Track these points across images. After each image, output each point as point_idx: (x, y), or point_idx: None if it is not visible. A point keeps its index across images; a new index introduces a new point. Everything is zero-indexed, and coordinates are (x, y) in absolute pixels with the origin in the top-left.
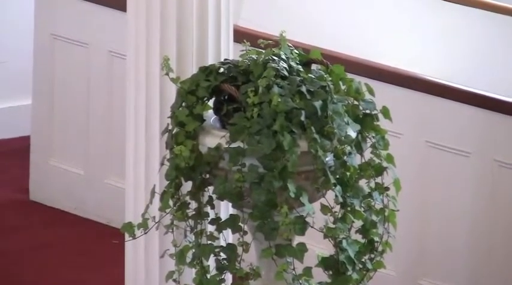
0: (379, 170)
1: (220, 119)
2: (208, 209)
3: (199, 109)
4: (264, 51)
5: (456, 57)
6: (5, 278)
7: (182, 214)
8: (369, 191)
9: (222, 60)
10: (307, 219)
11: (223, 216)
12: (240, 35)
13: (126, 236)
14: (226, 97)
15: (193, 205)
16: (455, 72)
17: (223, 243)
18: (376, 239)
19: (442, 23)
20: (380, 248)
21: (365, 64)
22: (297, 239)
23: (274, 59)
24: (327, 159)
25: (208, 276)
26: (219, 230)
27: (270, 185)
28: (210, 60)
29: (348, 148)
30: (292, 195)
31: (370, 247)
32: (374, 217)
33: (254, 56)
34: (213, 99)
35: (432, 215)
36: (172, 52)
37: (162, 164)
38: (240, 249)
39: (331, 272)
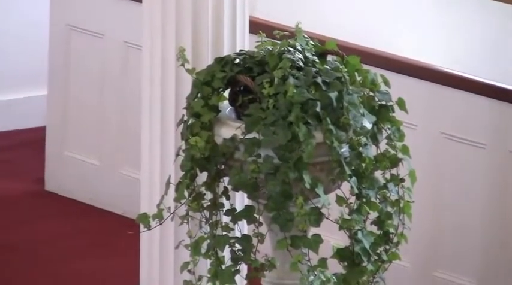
0: (395, 162)
1: (235, 110)
2: (223, 200)
3: (215, 100)
4: (279, 42)
5: (471, 48)
6: (20, 269)
7: (197, 204)
8: (384, 182)
9: (238, 51)
10: (322, 210)
11: (239, 207)
12: (256, 26)
13: (141, 226)
14: (241, 88)
15: (209, 195)
16: (471, 63)
17: (238, 234)
18: (392, 230)
19: (457, 14)
20: (395, 240)
21: (380, 56)
22: (312, 230)
23: (289, 50)
24: (342, 150)
25: (223, 267)
26: (234, 221)
27: (285, 176)
28: (226, 51)
29: (364, 139)
30: (308, 186)
31: (386, 239)
32: (389, 209)
33: (270, 47)
34: (229, 90)
35: (447, 207)
36: (188, 43)
37: (177, 155)
38: (255, 241)
39: (346, 263)
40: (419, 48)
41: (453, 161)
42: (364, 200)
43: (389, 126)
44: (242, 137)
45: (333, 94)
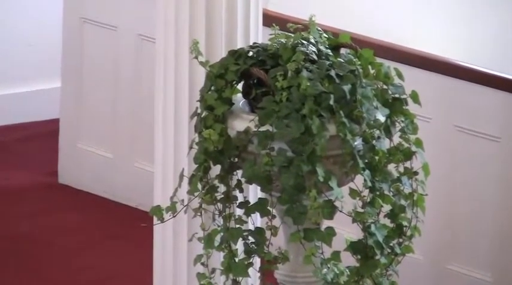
0: (408, 155)
1: (249, 103)
2: (236, 192)
3: (228, 92)
4: (293, 35)
5: (484, 42)
6: (33, 260)
7: (211, 197)
8: (398, 175)
9: (251, 43)
10: (335, 203)
11: (252, 200)
12: (269, 19)
13: (155, 219)
14: (255, 81)
15: (222, 188)
16: (484, 56)
17: (251, 227)
18: (405, 223)
19: (471, 8)
20: (409, 233)
21: (394, 49)
22: (326, 223)
23: (303, 43)
24: (355, 143)
25: (237, 259)
26: (248, 213)
27: (299, 169)
28: (239, 44)
29: (377, 132)
30: (321, 179)
31: (399, 232)
32: (403, 202)
33: (283, 40)
34: (242, 82)
35: (460, 200)
36: (201, 35)
37: (190, 147)
38: (268, 233)
39: (359, 256)
40: (433, 41)
41: (466, 154)
42: (377, 193)
43: (402, 119)
44: (255, 130)
45: (347, 87)
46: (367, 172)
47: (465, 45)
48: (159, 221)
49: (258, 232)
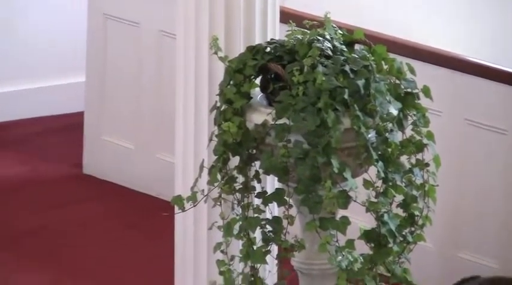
0: (420, 147)
1: (266, 97)
2: (254, 183)
3: (247, 87)
4: (309, 31)
5: (494, 38)
6: (57, 250)
7: (230, 187)
8: (410, 166)
9: (269, 39)
10: (350, 193)
11: (269, 190)
12: (286, 16)
13: (176, 208)
14: (272, 75)
15: (241, 179)
16: (493, 52)
17: (269, 216)
18: (417, 213)
19: (480, 6)
20: (420, 222)
21: (406, 45)
22: (340, 213)
23: (318, 39)
24: (369, 136)
25: (255, 247)
26: (265, 203)
27: (314, 160)
28: (257, 40)
29: (390, 125)
30: (336, 170)
31: (411, 221)
32: (414, 192)
33: (299, 36)
34: (260, 77)
35: (470, 190)
36: (220, 32)
37: (210, 140)
38: (285, 222)
39: (373, 245)
40: (444, 37)
41: (476, 146)
42: (390, 183)
43: (414, 113)
44: (273, 123)
45: (361, 82)
46: (380, 163)
47: (474, 41)
48: (180, 210)
49: (275, 220)
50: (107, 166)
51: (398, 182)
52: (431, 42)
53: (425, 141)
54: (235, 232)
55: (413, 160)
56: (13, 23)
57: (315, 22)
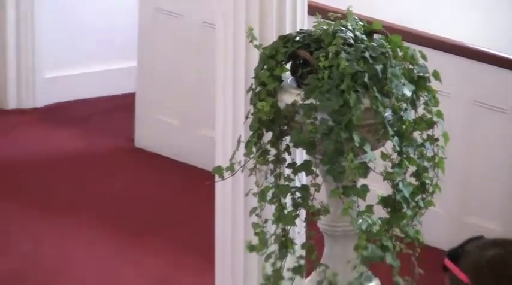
0: (430, 124)
1: (296, 80)
2: (285, 155)
3: (279, 71)
4: (333, 22)
5: (500, 28)
6: (112, 214)
7: (263, 159)
8: (422, 141)
9: (298, 29)
10: (369, 164)
11: (299, 161)
12: (313, 9)
13: (217, 177)
14: (301, 61)
15: (273, 151)
16: (498, 41)
17: (298, 184)
18: (428, 181)
19: None
20: (431, 190)
21: (419, 35)
22: (361, 181)
23: (342, 29)
24: (386, 114)
25: (285, 211)
26: (295, 173)
27: (338, 135)
28: (288, 30)
29: (404, 105)
30: (357, 144)
31: (422, 189)
32: (426, 163)
33: (325, 27)
34: (290, 62)
35: (476, 161)
36: (255, 23)
37: (246, 117)
38: (312, 190)
39: (389, 209)
40: (454, 27)
41: (480, 123)
42: (404, 156)
43: (426, 94)
44: (301, 102)
45: (379, 67)
46: (395, 138)
47: (481, 31)
48: (220, 179)
49: (304, 188)
50: (155, 140)
51: (412, 155)
52: (442, 32)
53: (435, 118)
54: (268, 198)
55: (424, 136)
56: (74, 13)
57: (339, 14)
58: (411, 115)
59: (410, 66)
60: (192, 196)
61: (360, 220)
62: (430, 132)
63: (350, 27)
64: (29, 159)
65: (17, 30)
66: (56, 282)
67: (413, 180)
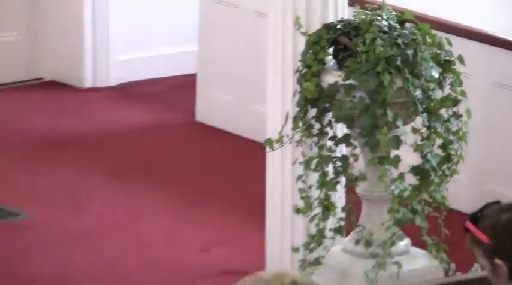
0: (455, 102)
1: (337, 63)
2: (328, 129)
3: (322, 55)
4: (370, 12)
5: None
6: (176, 180)
7: (308, 132)
8: (447, 117)
9: (339, 19)
10: (401, 137)
11: (339, 134)
12: (353, 0)
13: (267, 148)
14: (342, 46)
15: (317, 126)
16: None
17: (339, 155)
18: (453, 153)
19: None
20: (455, 160)
21: (445, 23)
22: (394, 152)
23: (377, 18)
24: (416, 93)
25: (328, 178)
26: (336, 144)
27: (374, 112)
28: (330, 19)
29: (432, 85)
30: (391, 119)
31: (448, 159)
32: (451, 137)
33: (363, 16)
34: (332, 47)
35: (496, 133)
36: (302, 12)
37: (294, 95)
38: (351, 159)
39: (418, 177)
40: (476, 17)
41: (499, 101)
42: (432, 130)
43: (451, 76)
44: (342, 83)
45: (410, 52)
46: (424, 114)
47: (503, 20)
48: (270, 150)
49: (344, 158)
50: (213, 115)
51: (439, 129)
52: (468, 21)
53: (459, 97)
54: (312, 166)
55: (450, 112)
56: (145, 2)
57: (375, 5)
58: (438, 94)
59: (438, 51)
60: (246, 165)
61: (393, 186)
62: (455, 109)
63: (385, 17)
64: (103, 131)
65: (93, 17)
66: (125, 239)
67: (440, 151)
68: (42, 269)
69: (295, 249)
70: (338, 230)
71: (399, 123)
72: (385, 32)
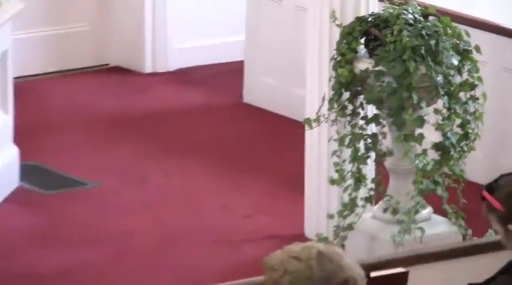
0: (473, 86)
1: (368, 51)
2: (360, 110)
3: (355, 44)
4: (397, 7)
5: None
6: (226, 154)
7: (342, 113)
8: (466, 100)
9: (370, 12)
10: (424, 117)
11: (370, 114)
12: None
13: (306, 127)
14: (372, 37)
15: (350, 107)
16: None
17: (369, 133)
18: (470, 131)
19: None
20: (472, 137)
21: (464, 17)
22: (418, 131)
23: (404, 12)
24: (438, 79)
25: (359, 153)
26: (367, 123)
27: (401, 95)
28: (362, 12)
29: (452, 71)
30: (415, 102)
31: (466, 136)
32: (469, 117)
33: (391, 10)
34: (364, 38)
35: (508, 115)
36: (337, 7)
37: (329, 80)
38: (380, 137)
39: (440, 153)
40: (493, 11)
41: (511, 86)
42: (452, 111)
43: (469, 63)
44: (372, 69)
45: (432, 42)
46: (445, 97)
47: None
48: (309, 128)
49: (374, 135)
50: (259, 97)
51: (458, 110)
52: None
53: (476, 82)
54: (346, 143)
55: (468, 95)
56: None
57: (402, 0)
58: (457, 79)
59: (457, 41)
60: (287, 142)
61: (417, 161)
62: (472, 92)
63: (410, 11)
64: (162, 111)
65: (153, 10)
66: (181, 207)
67: (458, 130)
68: (107, 231)
69: (330, 216)
70: (368, 199)
71: (423, 104)
72: (410, 24)
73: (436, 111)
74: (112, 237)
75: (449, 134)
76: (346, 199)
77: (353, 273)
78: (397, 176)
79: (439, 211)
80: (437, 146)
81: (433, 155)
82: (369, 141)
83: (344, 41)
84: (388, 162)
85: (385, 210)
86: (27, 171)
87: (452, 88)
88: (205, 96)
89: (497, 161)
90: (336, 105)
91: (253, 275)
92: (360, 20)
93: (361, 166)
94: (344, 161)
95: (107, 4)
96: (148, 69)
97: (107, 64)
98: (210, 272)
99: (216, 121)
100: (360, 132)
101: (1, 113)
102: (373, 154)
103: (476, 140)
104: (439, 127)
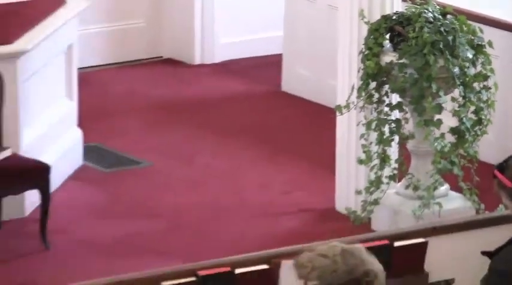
0: (485, 77)
1: (393, 46)
2: (385, 98)
3: (381, 40)
4: (418, 6)
5: None
6: (266, 137)
7: (370, 100)
8: (479, 89)
9: (394, 11)
10: (442, 105)
11: (394, 102)
12: None
13: (337, 113)
14: (396, 33)
15: (376, 95)
16: None
17: (393, 118)
18: (483, 117)
19: None
20: (485, 123)
21: (478, 15)
22: (437, 117)
23: (425, 11)
24: (454, 70)
25: (384, 136)
26: (391, 110)
27: (421, 84)
28: (387, 11)
29: (467, 64)
30: (434, 91)
31: (479, 122)
32: (482, 104)
33: (413, 9)
34: (389, 34)
35: None
36: (365, 6)
37: (358, 71)
38: (403, 122)
39: (456, 136)
40: (504, 11)
41: None
42: (467, 99)
43: (482, 57)
44: (396, 61)
45: (450, 38)
46: (461, 87)
47: None
48: (339, 114)
49: (397, 121)
50: (295, 86)
51: (472, 99)
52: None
53: (489, 73)
54: (372, 127)
55: (481, 85)
56: None
57: (423, 0)
58: (472, 71)
59: (472, 37)
60: (320, 126)
61: (436, 143)
62: (485, 83)
63: (430, 10)
64: (209, 98)
65: (202, 9)
66: (228, 185)
67: (473, 116)
68: (159, 205)
69: (358, 192)
70: (392, 177)
71: (441, 93)
72: (430, 22)
73: (453, 99)
74: (163, 210)
75: (464, 119)
76: (373, 177)
77: (373, 266)
78: (417, 157)
79: (455, 188)
80: (453, 131)
81: (450, 138)
82: (393, 125)
83: (371, 37)
84: (410, 144)
85: (407, 187)
86: (89, 151)
87: (467, 78)
88: (247, 85)
89: (507, 144)
90: (363, 94)
91: (290, 244)
92: (385, 18)
93: (386, 147)
94: (371, 143)
95: (161, 3)
96: (197, 61)
97: (161, 57)
98: (252, 241)
99: (257, 107)
100: (385, 117)
101: (67, 100)
102: (396, 137)
103: (488, 125)
104: (455, 113)
